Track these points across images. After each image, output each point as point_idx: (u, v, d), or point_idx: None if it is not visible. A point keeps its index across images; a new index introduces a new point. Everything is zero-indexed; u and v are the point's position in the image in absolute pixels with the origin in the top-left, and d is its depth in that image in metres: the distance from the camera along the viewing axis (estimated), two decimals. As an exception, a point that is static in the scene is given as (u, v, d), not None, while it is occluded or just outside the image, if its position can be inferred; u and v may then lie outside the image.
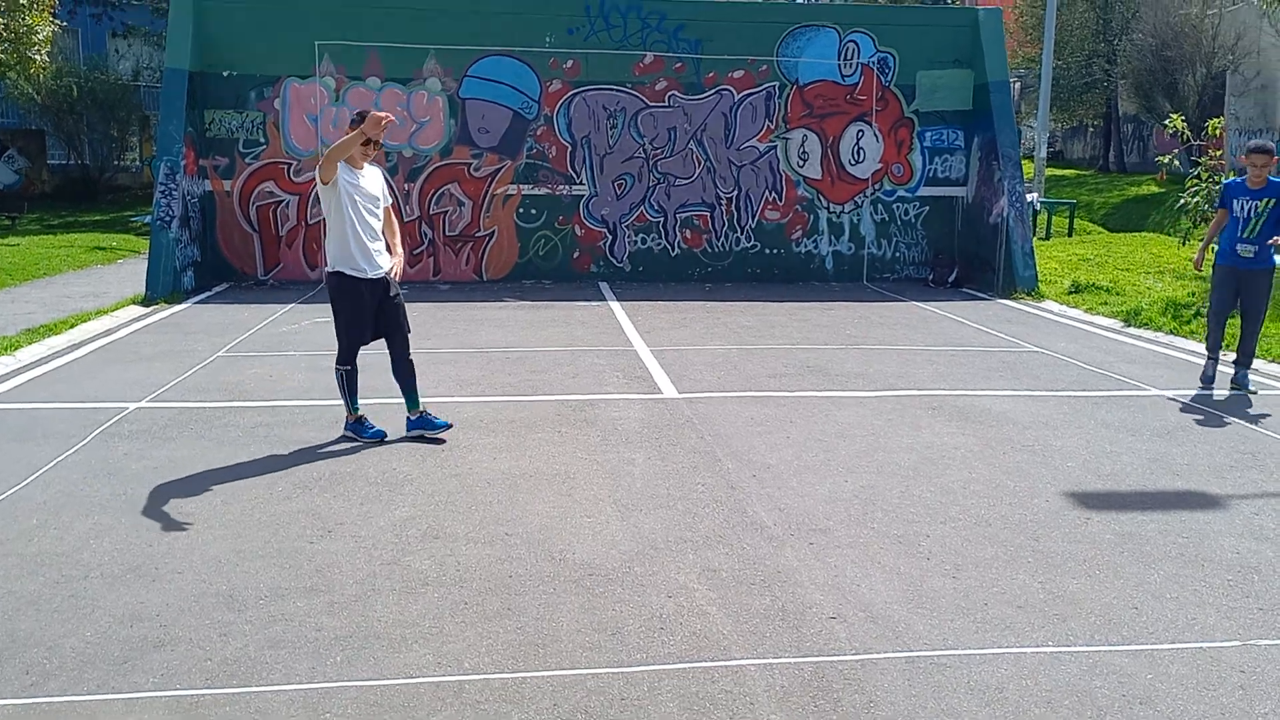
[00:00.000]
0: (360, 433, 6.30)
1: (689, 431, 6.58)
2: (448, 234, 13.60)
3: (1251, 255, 7.67)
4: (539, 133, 13.61)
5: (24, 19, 21.00)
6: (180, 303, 11.55)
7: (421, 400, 6.40)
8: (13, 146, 28.41)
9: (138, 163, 35.55)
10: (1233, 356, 8.04)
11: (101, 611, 3.94)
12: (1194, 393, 7.81)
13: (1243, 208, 7.67)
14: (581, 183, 13.80)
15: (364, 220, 6.11)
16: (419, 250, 13.53)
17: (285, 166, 13.12)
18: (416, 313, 10.92)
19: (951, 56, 14.14)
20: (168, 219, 11.93)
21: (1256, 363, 8.94)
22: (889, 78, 14.11)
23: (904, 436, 6.51)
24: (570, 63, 13.56)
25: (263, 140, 13.06)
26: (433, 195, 13.47)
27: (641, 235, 14.07)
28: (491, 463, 5.88)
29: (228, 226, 13.12)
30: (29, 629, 3.79)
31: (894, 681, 3.49)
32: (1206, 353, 8.15)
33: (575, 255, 13.88)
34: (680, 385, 7.88)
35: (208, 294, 12.29)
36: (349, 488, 5.39)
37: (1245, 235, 7.66)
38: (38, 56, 22.29)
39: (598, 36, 13.57)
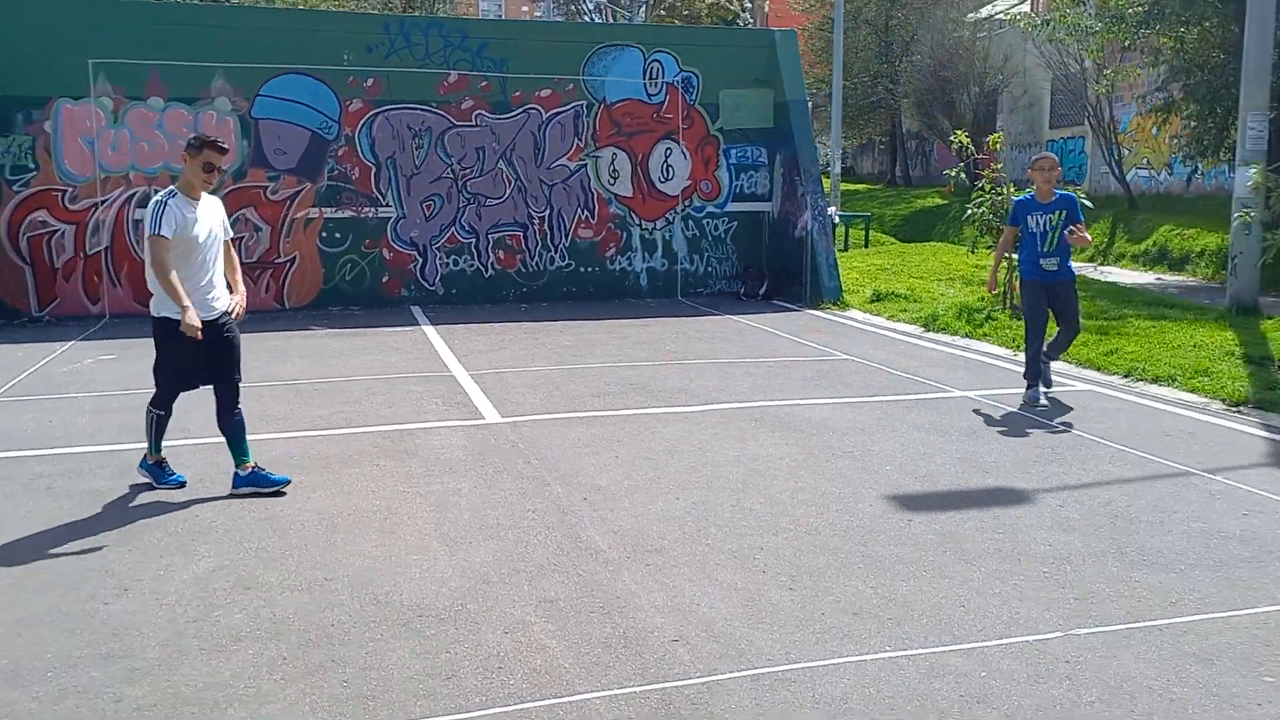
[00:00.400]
0: (160, 479, 5.79)
1: (515, 457, 6.41)
2: (245, 261, 12.89)
3: (1055, 268, 7.78)
4: (340, 153, 13.12)
5: None
6: (-59, 345, 10.46)
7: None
8: None
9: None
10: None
11: None
12: (992, 392, 8.21)
13: (1037, 223, 7.79)
14: (388, 204, 13.39)
15: (201, 260, 5.54)
16: (215, 279, 12.75)
17: (59, 194, 12.13)
18: (215, 345, 10.35)
19: (752, 76, 14.54)
20: (-77, 253, 10.78)
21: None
22: (693, 96, 14.37)
23: (730, 450, 6.54)
24: (370, 81, 13.15)
25: (32, 166, 12.03)
26: (229, 220, 12.71)
27: (453, 257, 13.77)
28: (305, 503, 5.52)
29: (-5, 260, 12.01)
30: None
31: (741, 702, 3.43)
32: (1027, 380, 7.92)
33: (384, 279, 13.44)
34: (503, 409, 7.69)
35: (-26, 334, 11.18)
36: (147, 539, 4.94)
37: (1045, 249, 7.75)
38: None
39: (399, 54, 13.23)
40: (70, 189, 12.16)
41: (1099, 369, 9.16)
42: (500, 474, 6.04)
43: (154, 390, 5.78)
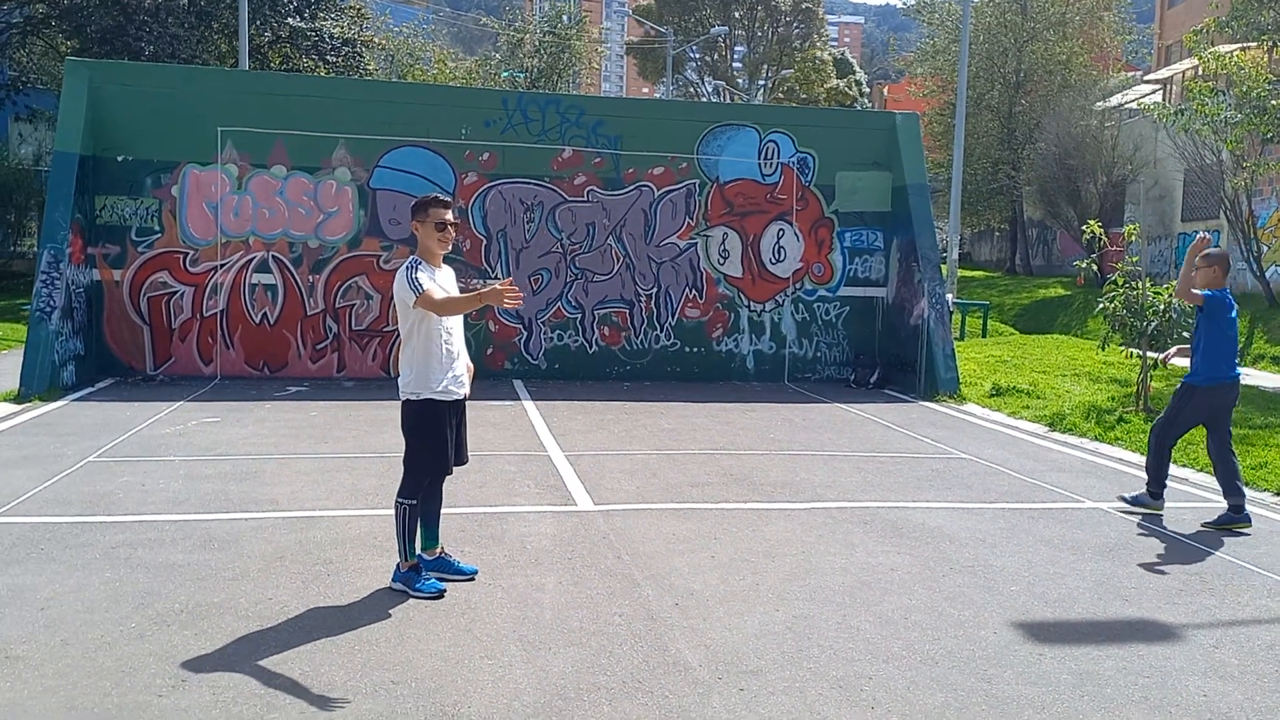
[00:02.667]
0: (414, 585, 5.17)
1: (605, 550, 6.03)
2: (354, 328, 12.97)
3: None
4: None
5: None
6: (58, 399, 10.66)
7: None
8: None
9: (36, 249, 34.17)
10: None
11: (-122, 798, 3.20)
12: (1117, 504, 7.52)
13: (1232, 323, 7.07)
14: (496, 277, 13.35)
15: (450, 333, 5.23)
16: (323, 345, 12.86)
17: (181, 256, 12.41)
18: (312, 413, 10.33)
19: (870, 159, 14.18)
20: (48, 310, 11.07)
21: (1189, 473, 8.77)
22: (809, 178, 14.06)
23: (837, 556, 6.04)
24: (486, 155, 13.22)
25: (157, 228, 12.36)
26: (339, 288, 12.86)
27: (558, 332, 13.62)
28: (383, 590, 5.23)
29: (116, 318, 12.30)
30: None
31: None
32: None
33: (489, 351, 13.34)
34: (596, 496, 7.34)
35: (89, 390, 11.40)
36: (215, 623, 4.70)
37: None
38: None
39: (515, 130, 13.29)
40: (192, 251, 12.44)
41: (1247, 484, 8.35)
42: (588, 569, 5.66)
43: (401, 481, 5.26)
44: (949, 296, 16.86)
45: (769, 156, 13.95)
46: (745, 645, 4.64)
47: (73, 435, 8.87)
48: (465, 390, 5.32)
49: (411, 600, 5.09)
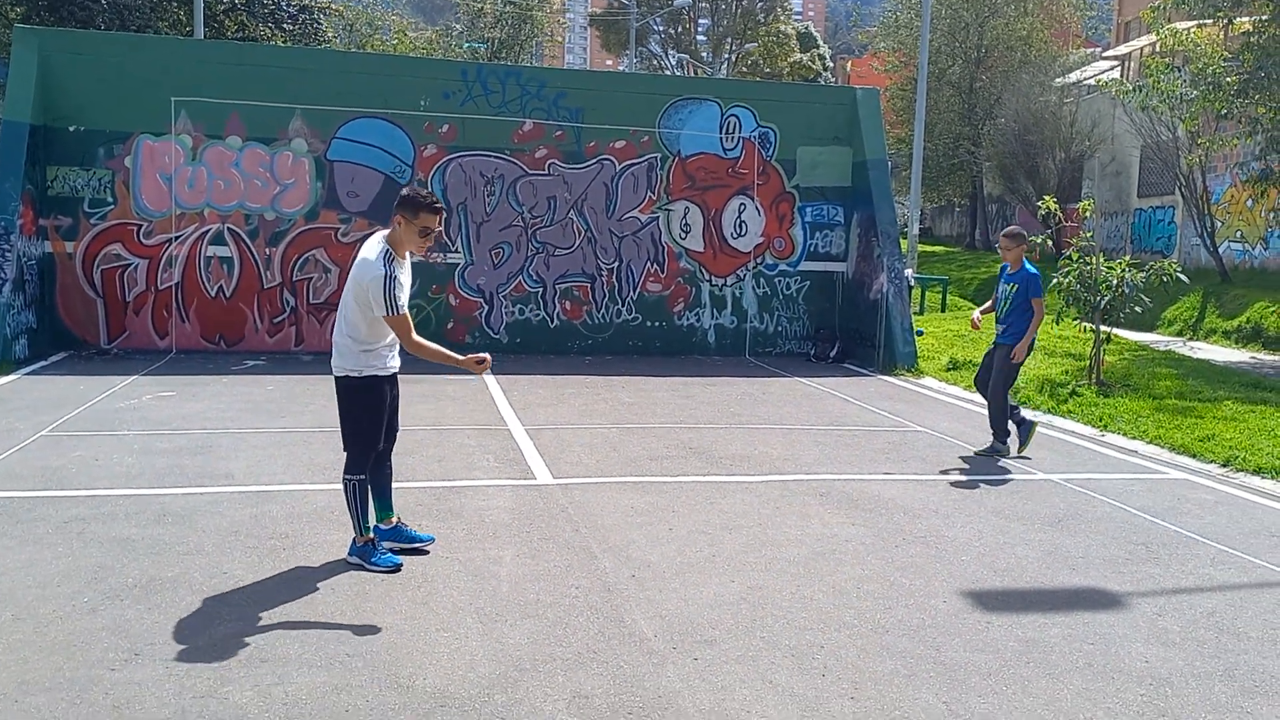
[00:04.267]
0: (370, 559, 5.18)
1: (564, 523, 6.06)
2: (312, 301, 12.86)
3: (999, 333, 8.36)
4: (412, 198, 13.03)
5: None
6: (9, 373, 10.48)
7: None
8: None
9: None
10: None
11: None
12: (1078, 476, 7.67)
13: (998, 289, 8.41)
14: (456, 251, 13.29)
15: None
16: (280, 319, 12.74)
17: (135, 228, 12.23)
18: (268, 386, 10.25)
19: (831, 134, 14.23)
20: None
21: (1139, 445, 8.95)
22: (770, 152, 14.09)
23: (792, 527, 6.11)
24: (446, 127, 13.11)
25: (110, 200, 12.15)
26: (296, 260, 12.73)
27: (519, 306, 13.59)
28: (336, 564, 5.23)
29: (69, 291, 12.12)
30: None
31: (792, 838, 3.01)
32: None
33: (449, 325, 13.28)
34: (556, 469, 7.37)
35: (42, 364, 11.24)
36: (168, 597, 4.68)
37: (998, 315, 8.37)
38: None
39: (475, 101, 13.18)
40: (146, 224, 12.25)
41: (1194, 455, 8.54)
42: (546, 542, 5.69)
43: (346, 458, 5.29)
44: (908, 272, 17.02)
45: (730, 131, 13.95)
46: (700, 615, 4.69)
47: (25, 410, 8.75)
48: (397, 365, 5.35)
49: (368, 574, 5.09)
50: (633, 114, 13.64)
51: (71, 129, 12.00)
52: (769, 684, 4.02)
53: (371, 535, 5.29)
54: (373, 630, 4.40)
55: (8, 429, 7.98)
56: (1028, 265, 8.24)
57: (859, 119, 14.08)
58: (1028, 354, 8.28)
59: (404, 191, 5.17)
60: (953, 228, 42.87)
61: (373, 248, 5.09)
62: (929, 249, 35.00)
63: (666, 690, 3.94)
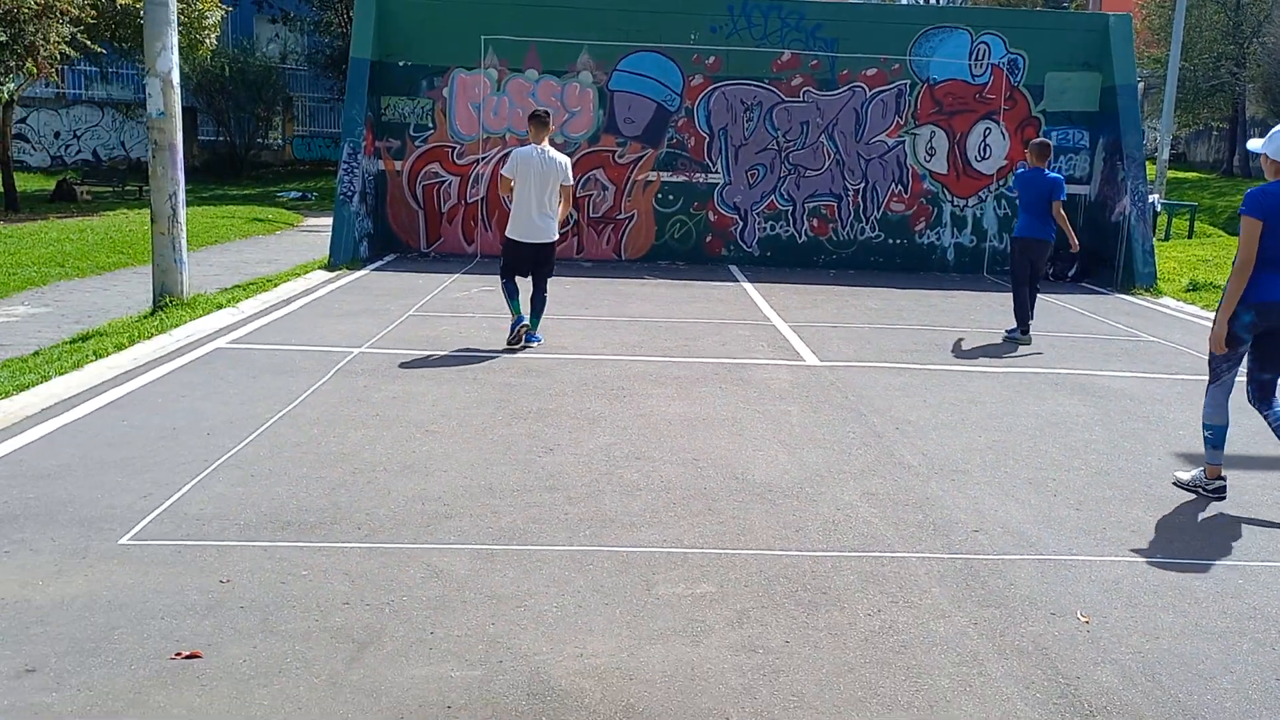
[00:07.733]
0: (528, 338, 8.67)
1: (834, 392, 7.49)
2: (591, 215, 14.70)
3: None
4: (680, 124, 14.59)
5: (196, 4, 22.68)
6: (359, 269, 12.88)
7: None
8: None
9: (279, 141, 37.71)
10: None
11: (396, 493, 5.06)
12: None
13: None
14: (716, 171, 14.75)
15: (531, 197, 8.37)
16: (564, 230, 14.65)
17: (449, 150, 14.38)
18: (567, 286, 12.15)
19: (1081, 59, 14.66)
20: (350, 194, 13.27)
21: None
22: (1018, 78, 14.70)
23: (1030, 405, 7.31)
24: (712, 59, 14.50)
25: (431, 125, 14.33)
26: (580, 180, 14.56)
27: (771, 222, 14.95)
28: (668, 408, 6.87)
29: (396, 202, 14.45)
30: (347, 502, 4.92)
31: (1029, 574, 4.37)
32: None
33: (708, 239, 14.83)
34: (820, 355, 8.78)
35: (380, 263, 13.61)
36: (556, 420, 6.46)
37: None
38: (207, 40, 24.05)
39: (739, 34, 14.48)
40: (458, 146, 14.38)
41: None
42: (822, 404, 7.15)
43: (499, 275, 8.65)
44: (1153, 197, 17.14)
45: (980, 58, 14.65)
46: (955, 455, 6.04)
47: (386, 296, 10.95)
48: (539, 240, 8.56)
49: (693, 416, 6.70)
50: (885, 43, 14.57)
51: (401, 64, 14.20)
52: (1011, 497, 5.35)
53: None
54: (707, 448, 6.00)
55: (383, 309, 10.14)
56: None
57: (1110, 44, 14.44)
58: None
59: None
60: (1209, 154, 40.66)
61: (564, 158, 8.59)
62: (1180, 174, 33.62)
63: (932, 495, 5.34)
